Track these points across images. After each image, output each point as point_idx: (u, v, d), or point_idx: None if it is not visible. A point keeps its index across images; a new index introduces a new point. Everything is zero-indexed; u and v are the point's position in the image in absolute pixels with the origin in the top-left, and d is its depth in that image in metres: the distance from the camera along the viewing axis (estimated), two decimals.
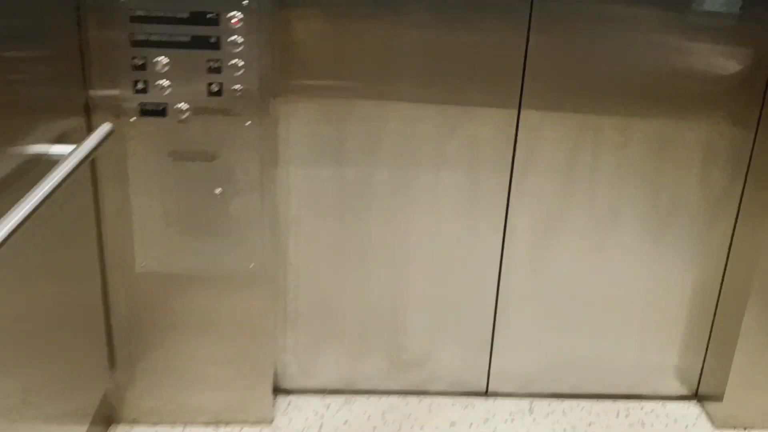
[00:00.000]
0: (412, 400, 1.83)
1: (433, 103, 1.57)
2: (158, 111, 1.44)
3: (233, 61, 1.43)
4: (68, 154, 1.19)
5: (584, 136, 1.62)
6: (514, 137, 1.60)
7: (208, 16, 1.40)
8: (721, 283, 1.78)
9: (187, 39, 1.41)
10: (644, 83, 1.59)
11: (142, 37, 1.39)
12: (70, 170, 1.15)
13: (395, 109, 1.57)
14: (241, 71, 1.43)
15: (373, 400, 1.82)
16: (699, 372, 1.87)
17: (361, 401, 1.81)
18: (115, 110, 1.43)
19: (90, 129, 1.42)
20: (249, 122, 1.47)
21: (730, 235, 1.74)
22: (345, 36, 1.51)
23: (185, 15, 1.40)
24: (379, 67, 1.54)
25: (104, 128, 1.32)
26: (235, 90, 1.44)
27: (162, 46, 1.40)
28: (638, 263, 1.75)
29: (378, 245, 1.69)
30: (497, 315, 1.77)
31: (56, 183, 1.10)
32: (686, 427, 1.81)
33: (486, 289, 1.75)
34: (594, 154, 1.64)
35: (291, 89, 1.54)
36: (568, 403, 1.85)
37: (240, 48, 1.42)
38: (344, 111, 1.57)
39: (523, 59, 1.55)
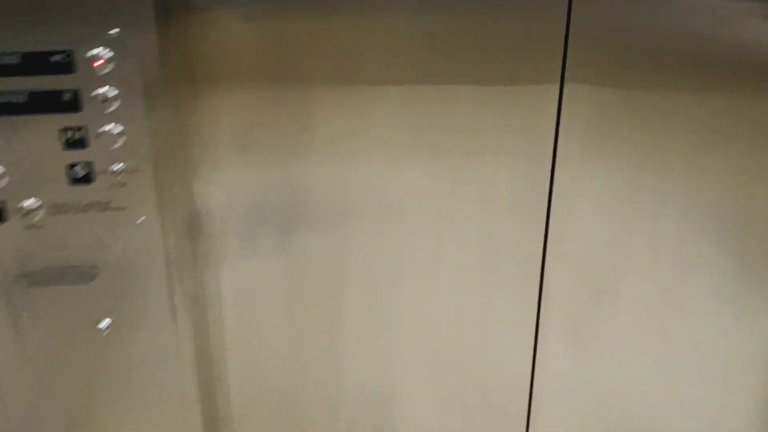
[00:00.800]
0: None
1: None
2: None
3: (105, 127, 0.88)
4: None
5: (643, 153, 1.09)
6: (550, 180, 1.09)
7: (54, 59, 0.85)
8: None
9: (22, 98, 0.86)
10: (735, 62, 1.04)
11: None
12: None
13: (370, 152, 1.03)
14: (121, 140, 0.89)
15: None
16: None
17: None
18: None
19: None
20: (143, 217, 0.93)
21: None
22: (294, 38, 0.96)
23: (14, 60, 0.84)
24: (347, 87, 0.99)
25: None
26: (114, 171, 0.91)
27: None
28: (715, 322, 1.24)
29: (353, 325, 1.16)
30: (532, 409, 1.28)
31: None
32: None
33: (517, 378, 1.23)
34: (660, 177, 1.12)
35: (210, 147, 1.00)
36: None
37: (114, 105, 0.88)
38: (299, 163, 1.03)
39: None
